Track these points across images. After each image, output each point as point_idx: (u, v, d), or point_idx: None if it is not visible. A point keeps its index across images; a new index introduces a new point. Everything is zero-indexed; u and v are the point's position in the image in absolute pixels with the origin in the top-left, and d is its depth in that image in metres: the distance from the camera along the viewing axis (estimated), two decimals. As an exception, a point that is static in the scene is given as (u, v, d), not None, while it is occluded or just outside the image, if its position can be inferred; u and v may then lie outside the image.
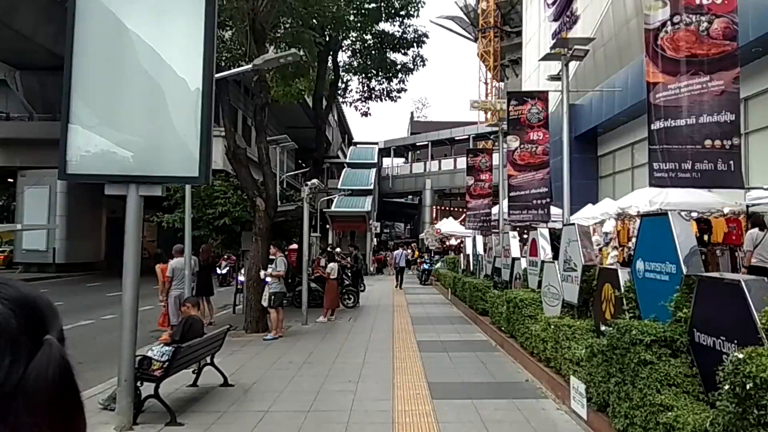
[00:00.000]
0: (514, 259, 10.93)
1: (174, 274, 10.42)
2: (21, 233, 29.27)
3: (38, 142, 27.82)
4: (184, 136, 5.93)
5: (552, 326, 6.73)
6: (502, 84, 50.05)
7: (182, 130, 5.94)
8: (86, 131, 5.90)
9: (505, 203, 13.69)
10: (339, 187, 37.67)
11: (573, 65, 12.18)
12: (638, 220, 6.74)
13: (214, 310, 12.94)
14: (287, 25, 12.83)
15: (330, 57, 16.74)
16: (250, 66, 9.36)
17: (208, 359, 7.01)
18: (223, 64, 12.34)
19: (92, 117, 5.96)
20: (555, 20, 22.32)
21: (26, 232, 28.76)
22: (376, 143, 51.47)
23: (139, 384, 5.69)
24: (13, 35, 23.75)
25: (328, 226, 35.09)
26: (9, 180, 33.02)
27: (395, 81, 18.50)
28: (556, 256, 8.23)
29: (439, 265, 26.08)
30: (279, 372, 7.97)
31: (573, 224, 7.54)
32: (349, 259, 19.19)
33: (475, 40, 53.77)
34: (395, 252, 28.31)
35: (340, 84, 18.27)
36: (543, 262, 8.43)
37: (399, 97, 19.09)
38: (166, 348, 5.95)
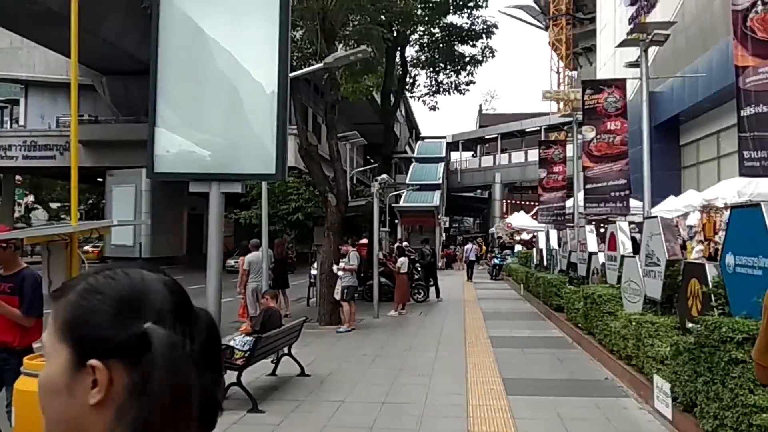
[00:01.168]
0: (591, 254, 10.60)
1: (251, 268, 10.83)
2: (110, 229, 31.20)
3: (124, 143, 29.54)
4: (261, 135, 6.12)
5: (633, 323, 6.49)
6: (575, 73, 48.49)
7: (258, 130, 6.14)
8: (169, 132, 6.22)
9: (580, 196, 13.28)
10: (407, 182, 37.74)
11: (652, 51, 11.61)
12: (726, 213, 6.37)
13: (289, 303, 13.32)
14: (356, 23, 12.99)
15: (398, 52, 16.79)
16: (321, 64, 9.55)
17: (286, 350, 7.24)
18: (294, 63, 12.64)
19: (175, 118, 6.27)
20: (632, 4, 21.34)
21: (114, 228, 30.64)
22: (444, 137, 51.17)
23: (222, 372, 5.96)
24: (101, 43, 25.28)
25: (397, 221, 35.26)
26: (99, 179, 35.21)
27: (463, 74, 18.32)
28: (636, 251, 7.93)
29: (510, 260, 25.69)
30: (352, 364, 8.12)
31: (655, 217, 7.23)
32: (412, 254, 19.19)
33: (546, 28, 52.34)
34: (465, 246, 28.39)
35: (407, 79, 18.30)
36: (623, 256, 8.13)
37: (467, 89, 18.92)
38: (247, 338, 6.21)
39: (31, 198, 49.82)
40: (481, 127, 57.50)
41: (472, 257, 25.52)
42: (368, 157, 47.39)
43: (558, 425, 5.32)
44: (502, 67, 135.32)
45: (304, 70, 10.56)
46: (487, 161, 48.99)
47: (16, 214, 42.81)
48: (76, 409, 0.70)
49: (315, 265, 15.09)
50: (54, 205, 50.60)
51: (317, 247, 15.03)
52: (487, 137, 51.65)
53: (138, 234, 30.80)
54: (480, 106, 72.81)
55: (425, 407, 5.89)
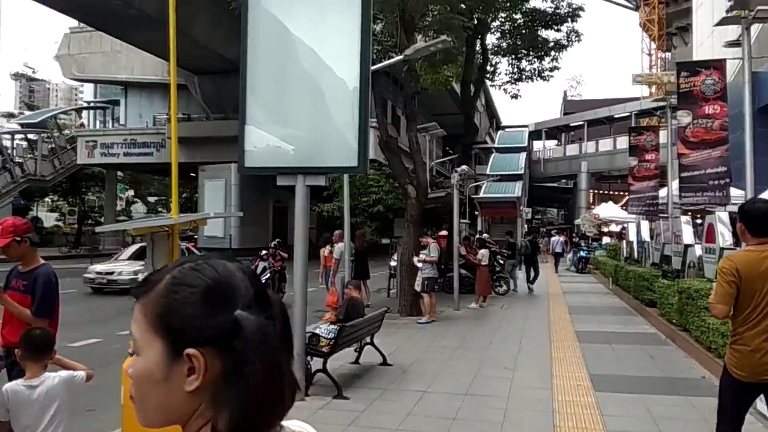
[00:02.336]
0: (686, 246, 10.01)
1: (340, 258, 11.12)
2: (205, 221, 32.91)
3: (214, 139, 31.00)
4: (343, 130, 6.27)
5: (733, 319, 6.07)
6: (668, 54, 45.75)
7: (341, 124, 6.29)
8: (258, 129, 6.49)
9: (674, 185, 12.56)
10: (488, 172, 37.15)
11: (755, 28, 10.77)
12: None
13: (370, 294, 13.54)
14: (435, 13, 12.90)
15: (478, 40, 16.53)
16: (401, 57, 9.59)
17: (369, 339, 7.38)
18: (374, 56, 12.76)
19: (262, 115, 6.54)
20: (732, -22, 19.81)
21: (208, 220, 32.29)
22: (526, 126, 49.85)
23: (309, 359, 6.18)
24: (192, 44, 26.58)
25: (476, 212, 34.83)
26: (191, 174, 37.16)
27: (547, 60, 17.75)
28: (737, 243, 7.40)
29: (598, 252, 24.78)
30: (434, 355, 8.15)
31: (759, 206, 6.70)
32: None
33: (637, 8, 49.63)
34: (552, 239, 27.82)
35: (488, 67, 17.97)
36: (722, 249, 7.63)
37: (551, 76, 18.26)
38: (332, 327, 6.39)
39: (131, 192, 53.43)
40: (565, 114, 55.52)
41: (559, 249, 24.91)
42: (447, 148, 47.04)
43: (650, 424, 5.10)
44: (589, 51, 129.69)
45: (384, 63, 10.64)
46: (572, 150, 47.26)
47: (118, 208, 46.03)
48: (173, 395, 0.75)
49: (395, 256, 15.24)
50: (152, 199, 54.04)
51: (397, 238, 15.16)
52: (572, 125, 49.79)
53: (228, 226, 32.27)
54: (564, 92, 70.35)
55: (509, 400, 5.83)
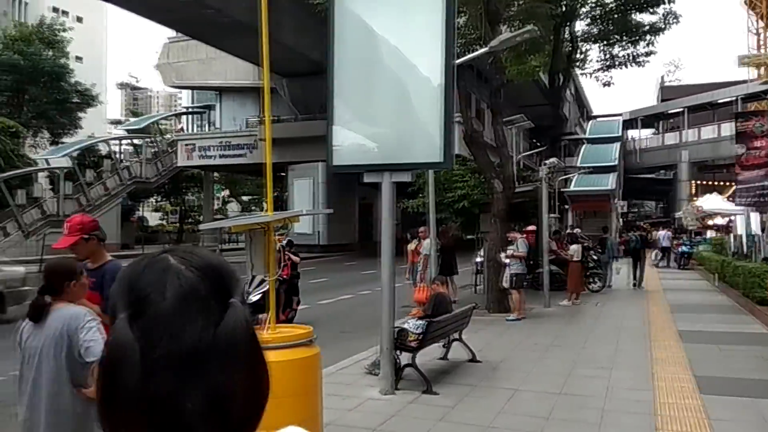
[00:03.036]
0: (803, 239, 9.17)
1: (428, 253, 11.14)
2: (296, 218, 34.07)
3: (302, 140, 31.94)
4: (428, 126, 6.28)
5: None
6: (778, 32, 41.89)
7: (426, 121, 6.30)
8: (344, 128, 6.63)
9: (788, 173, 11.52)
10: (578, 164, 35.77)
11: None
12: None
13: (457, 290, 13.45)
14: (521, 2, 12.60)
15: (566, 28, 15.95)
16: (486, 49, 9.43)
17: (456, 335, 7.34)
18: (457, 50, 12.64)
19: (349, 115, 6.68)
20: None
21: (298, 217, 33.36)
22: (620, 115, 47.48)
23: (397, 353, 6.24)
24: (280, 48, 27.52)
25: (566, 206, 33.63)
26: (281, 174, 38.54)
27: (642, 44, 16.87)
28: None
29: (701, 247, 23.22)
30: (525, 353, 7.98)
31: None
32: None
33: (741, -16, 45.86)
34: (659, 233, 26.37)
35: (577, 55, 17.31)
36: None
37: (647, 61, 17.30)
38: (420, 322, 6.41)
39: (226, 192, 56.22)
40: (662, 101, 52.31)
41: (665, 243, 23.47)
42: (534, 141, 45.73)
43: (763, 430, 4.72)
44: (688, 33, 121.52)
45: (469, 56, 10.49)
46: (670, 138, 44.48)
47: (215, 207, 48.57)
48: None
49: (480, 252, 15.03)
50: (245, 198, 56.61)
51: (483, 234, 14.93)
52: (670, 112, 46.83)
53: (317, 223, 33.18)
54: (661, 78, 66.24)
55: (606, 401, 5.60)
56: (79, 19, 63.19)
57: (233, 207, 56.97)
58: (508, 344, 8.49)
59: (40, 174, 32.48)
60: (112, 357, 0.66)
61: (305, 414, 4.05)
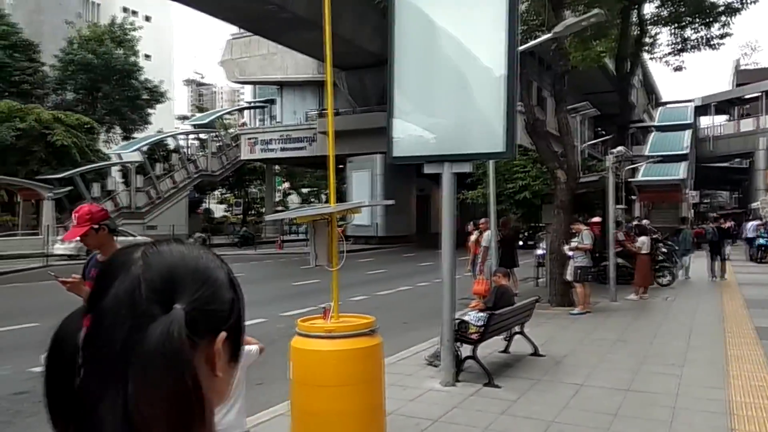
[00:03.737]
0: None
1: (489, 245, 11.03)
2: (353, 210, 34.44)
3: (360, 132, 32.17)
4: (489, 116, 6.18)
5: None
6: None
7: (487, 111, 6.21)
8: (404, 119, 6.62)
9: None
10: (646, 153, 34.36)
11: None
12: None
13: (518, 282, 13.24)
14: (586, -15, 12.17)
15: (634, 11, 15.29)
16: (549, 35, 9.17)
17: (518, 328, 7.23)
18: (519, 37, 12.37)
19: (408, 106, 6.66)
20: None
21: (360, 208, 33.69)
22: (691, 101, 45.20)
23: (458, 345, 6.21)
24: (340, 41, 27.75)
25: (633, 196, 32.41)
26: (339, 166, 38.98)
27: (716, 26, 15.94)
28: None
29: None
30: (589, 347, 7.76)
31: None
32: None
33: (829, -44, 42.61)
34: (748, 224, 25.03)
35: (645, 39, 16.56)
36: None
37: (721, 44, 16.33)
38: (481, 314, 6.35)
39: (286, 185, 57.43)
40: (738, 85, 49.39)
41: (751, 234, 22.27)
42: (599, 129, 44.25)
43: None
44: (766, 13, 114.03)
45: (531, 43, 10.25)
46: (747, 125, 41.99)
47: (276, 199, 49.70)
48: None
49: (542, 244, 14.70)
50: (305, 190, 57.66)
51: (545, 225, 14.60)
52: (746, 97, 44.17)
53: (374, 215, 33.40)
54: (737, 61, 62.54)
55: (677, 398, 5.37)
56: (148, 18, 65.87)
57: (293, 199, 58.13)
58: (572, 338, 8.29)
59: (113, 168, 34.22)
60: (54, 342, 0.65)
61: (368, 402, 4.10)
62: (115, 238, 3.42)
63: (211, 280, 0.66)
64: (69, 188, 27.86)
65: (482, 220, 11.30)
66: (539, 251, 14.65)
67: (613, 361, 6.91)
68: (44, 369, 0.64)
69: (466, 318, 6.43)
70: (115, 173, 35.20)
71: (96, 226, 3.25)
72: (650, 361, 6.87)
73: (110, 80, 38.56)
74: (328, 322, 4.10)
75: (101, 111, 38.97)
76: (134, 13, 61.44)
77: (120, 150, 35.17)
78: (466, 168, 6.39)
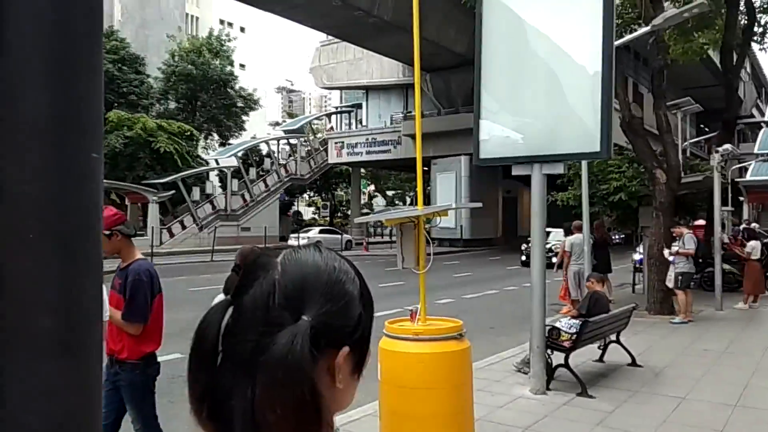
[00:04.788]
0: None
1: (572, 250, 10.63)
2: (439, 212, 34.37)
3: (445, 133, 32.04)
4: (582, 115, 5.96)
5: None
6: None
7: (580, 109, 5.99)
8: (491, 120, 6.51)
9: None
10: (756, 151, 31.73)
11: None
12: None
13: (612, 288, 12.65)
14: (687, -26, 11.43)
15: (742, -2, 14.17)
16: (647, 28, 8.71)
17: (614, 336, 6.91)
18: (614, 32, 11.83)
19: (496, 107, 6.55)
20: None
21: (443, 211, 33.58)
22: (808, 93, 41.35)
23: (549, 352, 6.02)
24: (425, 43, 27.81)
25: (741, 198, 30.06)
26: (424, 168, 38.99)
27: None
28: None
29: None
30: (692, 359, 7.29)
31: None
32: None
33: None
34: None
35: (755, 28, 15.29)
36: None
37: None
38: (574, 321, 6.13)
39: (372, 187, 58.22)
40: None
41: None
42: (702, 126, 41.45)
43: None
44: None
45: (627, 37, 9.79)
46: None
47: (362, 201, 50.50)
48: None
49: (639, 248, 13.98)
50: (390, 193, 58.20)
51: (643, 229, 13.86)
52: None
53: (459, 217, 33.14)
54: None
55: (795, 419, 4.93)
56: (243, 29, 69.11)
57: (378, 201, 58.84)
58: (672, 349, 7.81)
59: (211, 172, 36.18)
60: (200, 328, 0.68)
61: (456, 406, 4.07)
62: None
63: (341, 294, 0.68)
64: (172, 192, 29.74)
65: (575, 223, 10.89)
66: (636, 256, 13.94)
67: (718, 374, 6.45)
68: (190, 350, 0.68)
69: (557, 324, 6.23)
70: (213, 177, 37.18)
71: (107, 232, 3.02)
72: (761, 375, 6.35)
73: (208, 89, 40.80)
74: (415, 325, 4.11)
75: (200, 119, 41.33)
76: (230, 24, 64.65)
77: (217, 155, 37.11)
78: (559, 169, 6.19)
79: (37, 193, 0.58)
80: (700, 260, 12.07)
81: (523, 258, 19.91)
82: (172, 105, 41.61)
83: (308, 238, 31.29)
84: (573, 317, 6.40)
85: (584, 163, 10.00)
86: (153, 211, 28.75)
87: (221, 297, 3.47)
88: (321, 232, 35.35)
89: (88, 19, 0.61)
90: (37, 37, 0.59)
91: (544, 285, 5.98)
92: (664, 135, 11.14)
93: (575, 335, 5.95)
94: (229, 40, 44.30)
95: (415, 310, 4.21)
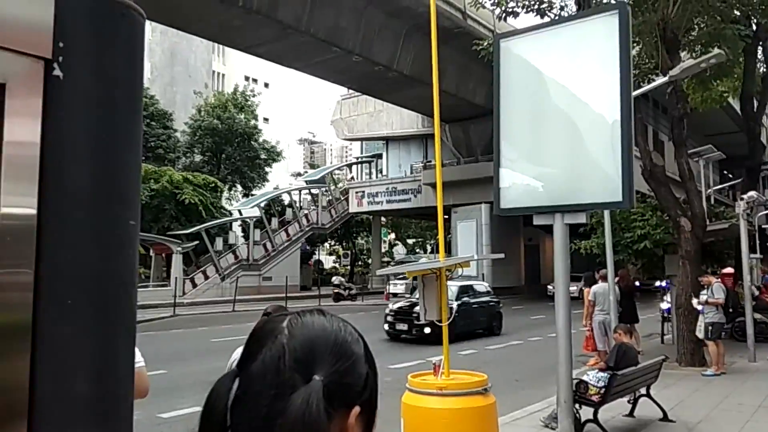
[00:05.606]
0: None
1: (596, 299, 10.43)
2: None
3: (465, 182, 32.19)
4: (603, 164, 5.95)
5: None
6: None
7: (601, 159, 5.98)
8: (511, 169, 6.54)
9: None
10: (782, 197, 31.21)
11: None
12: None
13: (640, 339, 12.31)
14: (703, 25, 11.58)
15: (759, 47, 14.28)
16: (665, 78, 8.79)
17: (644, 390, 6.68)
18: (632, 82, 11.95)
19: (515, 156, 6.59)
20: None
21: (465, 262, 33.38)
22: (834, 138, 40.84)
23: (577, 407, 5.83)
24: (444, 95, 28.27)
25: (770, 244, 29.38)
26: (445, 216, 39.03)
27: None
28: None
29: None
30: (727, 413, 6.99)
31: None
32: None
33: None
34: None
35: (775, 75, 15.33)
36: None
37: None
38: (602, 374, 5.96)
39: (392, 236, 58.27)
40: None
41: None
42: (725, 172, 41.03)
43: None
44: None
45: (645, 87, 9.88)
46: None
47: (382, 250, 50.48)
48: None
49: (666, 297, 13.67)
50: (410, 241, 58.15)
51: (669, 277, 13.58)
52: None
53: (481, 265, 32.86)
54: None
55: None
56: (267, 85, 71.28)
57: (399, 249, 58.75)
58: (705, 403, 7.51)
59: (234, 223, 36.65)
60: (208, 401, 0.69)
61: (482, 465, 3.94)
62: None
63: (348, 353, 0.70)
64: (195, 242, 30.13)
65: (601, 272, 10.72)
66: (664, 305, 13.61)
67: (756, 430, 6.16)
68: (199, 423, 0.69)
69: (585, 378, 6.06)
70: (236, 228, 37.64)
71: None
72: (805, 433, 6.05)
73: (233, 142, 41.85)
74: (439, 379, 4.04)
75: (224, 171, 42.23)
76: (255, 80, 66.82)
77: (240, 206, 37.68)
78: (581, 219, 6.14)
79: (78, 261, 0.61)
80: (731, 310, 11.74)
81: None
82: (198, 158, 42.68)
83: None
84: (601, 370, 6.22)
85: (607, 212, 9.93)
86: (177, 261, 29.07)
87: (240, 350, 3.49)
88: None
89: (129, 97, 0.66)
90: (83, 113, 0.63)
91: (570, 336, 5.84)
92: (687, 183, 11.06)
93: (604, 389, 5.77)
94: (254, 95, 45.71)
95: (438, 362, 4.15)
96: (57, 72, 0.60)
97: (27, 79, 0.60)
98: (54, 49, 0.60)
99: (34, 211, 0.59)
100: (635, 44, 12.12)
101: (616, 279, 11.07)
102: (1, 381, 0.55)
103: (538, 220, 6.46)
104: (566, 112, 6.27)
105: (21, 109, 0.59)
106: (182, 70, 60.44)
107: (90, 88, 0.62)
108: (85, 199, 0.61)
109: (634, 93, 9.26)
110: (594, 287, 10.54)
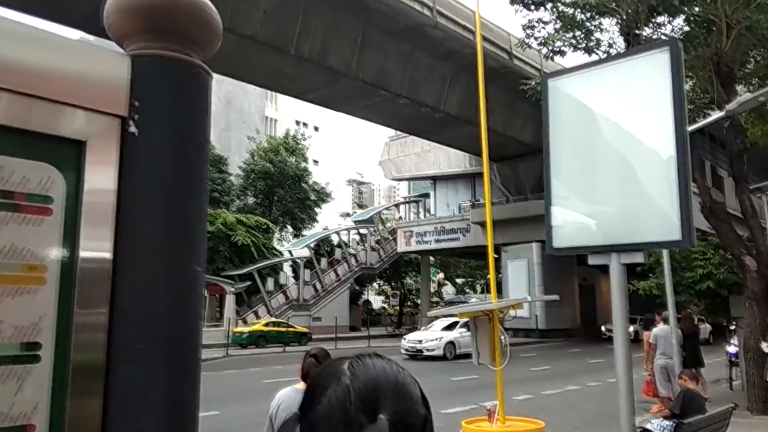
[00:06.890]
0: None
1: (657, 342, 9.97)
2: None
3: (514, 221, 31.76)
4: (660, 202, 5.76)
5: None
6: None
7: (657, 196, 5.80)
8: (563, 207, 6.44)
9: None
10: None
11: None
12: None
13: (706, 384, 11.63)
14: (758, 58, 11.28)
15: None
16: (722, 113, 8.54)
17: (713, 441, 6.27)
18: (686, 117, 11.65)
19: (567, 195, 6.49)
20: None
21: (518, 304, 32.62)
22: None
23: (641, 457, 5.52)
24: (492, 134, 28.25)
25: None
26: (495, 256, 38.49)
27: None
28: None
29: None
30: (810, 469, 6.45)
31: None
32: None
33: None
34: None
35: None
36: None
37: None
38: (666, 422, 5.64)
39: (441, 275, 57.72)
40: None
41: None
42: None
43: None
44: None
45: (701, 123, 9.62)
46: None
47: (431, 290, 50.02)
48: None
49: (732, 340, 12.94)
50: (459, 281, 57.41)
51: (736, 319, 12.88)
52: None
53: (534, 306, 32.04)
54: None
55: None
56: (317, 129, 73.24)
57: (448, 290, 58.05)
58: (784, 457, 6.97)
59: (285, 263, 37.22)
60: None
61: None
62: None
63: (409, 395, 0.72)
64: (248, 283, 30.71)
65: (663, 314, 10.28)
66: (731, 348, 12.87)
67: None
68: None
69: (648, 426, 5.76)
70: (287, 268, 38.20)
71: None
72: None
73: (284, 185, 42.93)
74: (494, 426, 3.92)
75: (276, 212, 43.22)
76: (305, 124, 68.76)
77: (291, 247, 38.30)
78: (638, 258, 5.91)
79: (148, 306, 0.64)
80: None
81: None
82: (251, 200, 43.90)
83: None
84: (665, 418, 5.90)
85: (665, 252, 9.58)
86: (230, 302, 29.64)
87: (284, 391, 3.48)
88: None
89: (197, 149, 0.70)
90: (156, 166, 0.67)
91: (632, 382, 5.57)
92: (750, 220, 10.58)
93: (669, 438, 5.46)
94: (304, 139, 47.01)
95: (493, 408, 4.03)
96: (132, 129, 0.65)
97: (104, 135, 0.64)
98: (129, 108, 0.65)
99: (110, 255, 0.63)
100: (688, 79, 11.88)
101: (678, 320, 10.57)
102: (75, 419, 0.58)
103: (592, 260, 6.27)
104: (618, 149, 6.16)
105: (99, 162, 0.64)
106: (237, 117, 62.90)
107: (162, 143, 0.66)
108: (157, 246, 0.65)
109: (690, 128, 9.02)
110: (654, 330, 10.09)
